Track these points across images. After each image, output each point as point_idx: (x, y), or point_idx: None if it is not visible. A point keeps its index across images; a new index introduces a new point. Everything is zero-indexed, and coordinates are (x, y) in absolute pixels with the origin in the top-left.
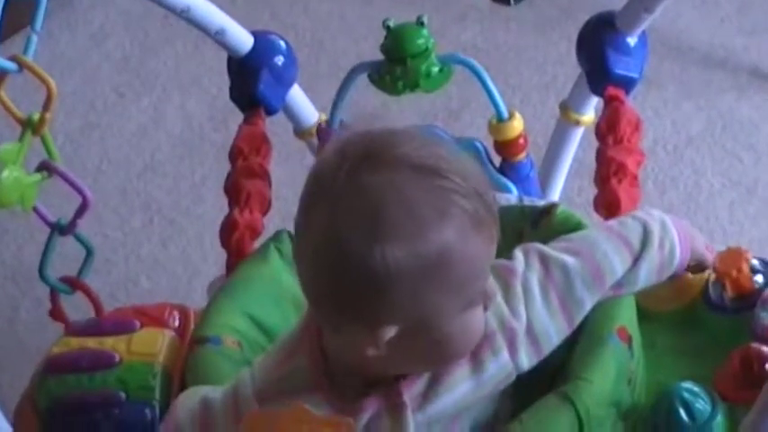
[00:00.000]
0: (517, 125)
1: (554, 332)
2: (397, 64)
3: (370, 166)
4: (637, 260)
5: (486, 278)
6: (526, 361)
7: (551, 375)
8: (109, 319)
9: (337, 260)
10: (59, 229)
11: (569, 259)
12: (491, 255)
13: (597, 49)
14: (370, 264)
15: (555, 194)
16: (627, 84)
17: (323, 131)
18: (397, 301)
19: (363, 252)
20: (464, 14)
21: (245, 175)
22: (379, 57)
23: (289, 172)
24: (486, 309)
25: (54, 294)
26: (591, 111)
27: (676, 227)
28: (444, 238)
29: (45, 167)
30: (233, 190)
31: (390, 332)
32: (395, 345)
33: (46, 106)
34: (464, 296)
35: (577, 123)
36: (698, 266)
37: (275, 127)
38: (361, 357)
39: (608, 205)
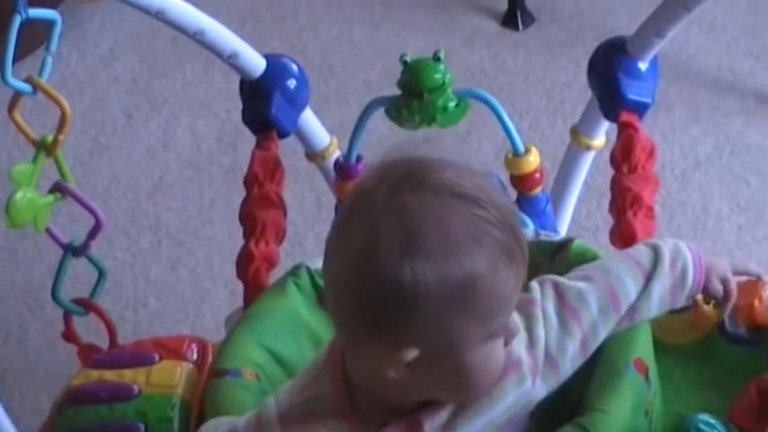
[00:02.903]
0: (533, 159)
1: (569, 356)
2: (413, 98)
3: (411, 186)
4: (649, 280)
5: (510, 312)
6: (543, 386)
7: (572, 410)
8: (128, 352)
9: (369, 273)
10: (72, 251)
11: (582, 284)
12: (517, 290)
13: (609, 74)
14: (400, 280)
15: (565, 219)
16: (640, 109)
17: (340, 166)
18: (422, 322)
19: (395, 268)
20: (472, 38)
21: (259, 205)
22: (387, 81)
23: (297, 195)
24: (506, 344)
25: (67, 317)
26: (602, 135)
27: (691, 250)
28: (475, 266)
29: (58, 189)
30: (248, 221)
31: (411, 354)
32: (415, 369)
33: (60, 128)
34: (487, 327)
35: (588, 148)
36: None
37: (283, 149)
38: (381, 380)
39: (624, 238)
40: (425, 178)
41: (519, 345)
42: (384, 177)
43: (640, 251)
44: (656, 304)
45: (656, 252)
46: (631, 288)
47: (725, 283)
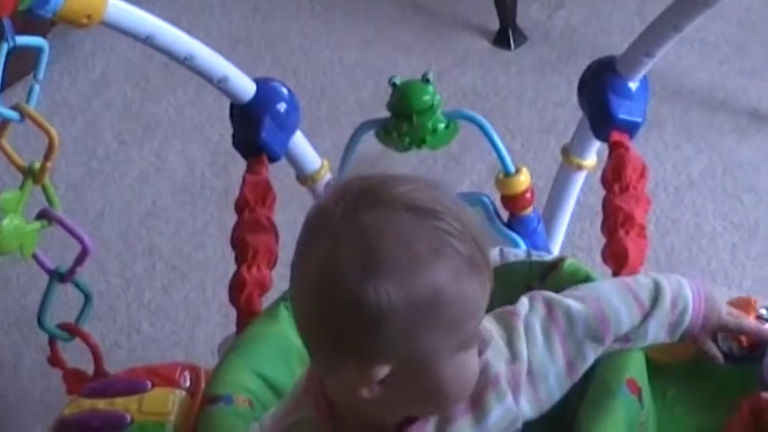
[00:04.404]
0: (524, 179)
1: (553, 376)
2: (403, 120)
3: (366, 203)
4: (646, 317)
5: (478, 321)
6: (528, 407)
7: (565, 431)
8: (120, 380)
9: (332, 295)
10: (59, 277)
11: (574, 304)
12: (484, 299)
13: (599, 94)
14: (363, 299)
15: (558, 239)
16: (630, 128)
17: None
18: (390, 338)
19: (357, 287)
20: (464, 58)
21: (251, 230)
22: (379, 103)
23: (290, 218)
24: (480, 353)
25: (53, 341)
26: (593, 155)
27: (692, 288)
28: (438, 278)
29: (45, 215)
30: (240, 246)
31: (383, 371)
32: (389, 386)
33: (47, 156)
34: (457, 337)
35: (579, 168)
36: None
37: (276, 172)
38: (357, 400)
39: (615, 257)
40: (381, 194)
41: (497, 360)
42: (341, 197)
43: (642, 285)
44: (649, 339)
45: (657, 289)
46: (625, 320)
47: (722, 328)
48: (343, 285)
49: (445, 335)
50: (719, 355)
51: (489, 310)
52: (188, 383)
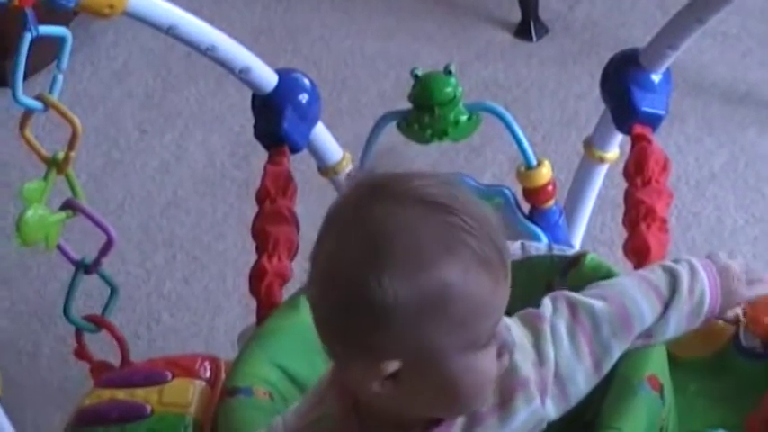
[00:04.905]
0: (546, 172)
1: (581, 378)
2: (425, 112)
3: (376, 197)
4: (667, 308)
5: (493, 321)
6: (553, 408)
7: (586, 428)
8: (140, 371)
9: (339, 289)
10: (84, 268)
11: (597, 304)
12: (499, 298)
13: (622, 87)
14: (368, 294)
15: (579, 232)
16: (653, 121)
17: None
18: (397, 333)
19: (362, 282)
20: (485, 50)
21: (272, 221)
22: (401, 94)
23: (311, 209)
24: (500, 355)
25: (79, 334)
26: (615, 148)
27: (705, 270)
28: (446, 274)
29: (69, 206)
30: (261, 237)
31: (392, 366)
32: (399, 381)
33: (71, 145)
34: (466, 336)
35: (601, 161)
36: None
37: (297, 163)
38: (370, 395)
39: (637, 251)
40: (392, 189)
41: (525, 362)
42: (354, 191)
43: (658, 276)
44: (672, 330)
45: (674, 278)
46: (647, 314)
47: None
48: (349, 280)
49: (453, 332)
50: (740, 314)
51: (510, 304)
52: (208, 374)
